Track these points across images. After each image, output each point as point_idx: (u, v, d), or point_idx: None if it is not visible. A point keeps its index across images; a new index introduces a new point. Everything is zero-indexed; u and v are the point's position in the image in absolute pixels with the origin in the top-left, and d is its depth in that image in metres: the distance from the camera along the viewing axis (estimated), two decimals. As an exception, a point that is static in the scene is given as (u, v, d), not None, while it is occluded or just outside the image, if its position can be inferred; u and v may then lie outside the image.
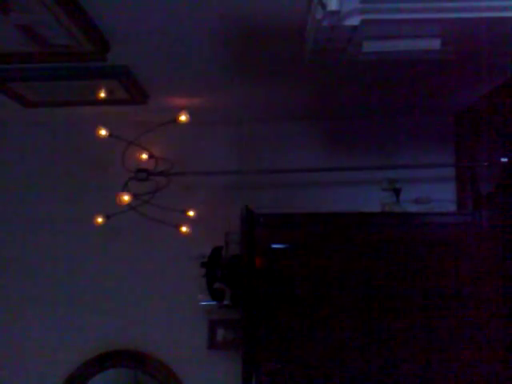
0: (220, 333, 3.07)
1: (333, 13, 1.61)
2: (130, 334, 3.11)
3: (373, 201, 2.93)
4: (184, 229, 2.92)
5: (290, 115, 3.18)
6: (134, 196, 2.81)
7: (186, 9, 1.91)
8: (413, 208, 2.97)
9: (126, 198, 2.75)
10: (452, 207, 3.09)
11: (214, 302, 2.85)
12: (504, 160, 2.61)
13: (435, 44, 1.85)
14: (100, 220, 2.82)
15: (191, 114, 2.87)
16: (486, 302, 2.41)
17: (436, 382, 2.39)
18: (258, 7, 1.89)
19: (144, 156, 2.97)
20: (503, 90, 2.63)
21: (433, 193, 3.02)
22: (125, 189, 2.78)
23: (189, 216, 2.96)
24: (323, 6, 1.60)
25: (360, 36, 1.78)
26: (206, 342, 3.07)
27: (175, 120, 2.72)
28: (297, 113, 3.15)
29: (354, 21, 1.68)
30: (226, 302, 2.84)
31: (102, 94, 2.62)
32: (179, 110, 2.74)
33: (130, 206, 2.82)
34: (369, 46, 1.82)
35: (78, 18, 1.89)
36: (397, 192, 3.00)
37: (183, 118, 2.71)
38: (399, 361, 2.39)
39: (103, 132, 2.73)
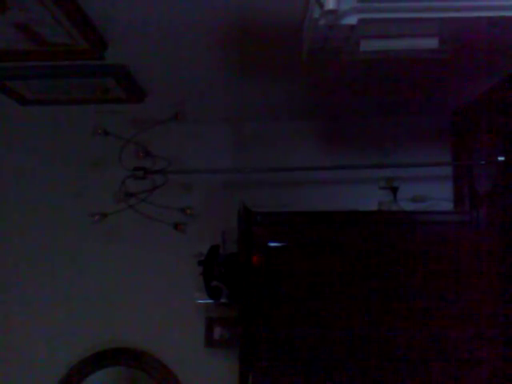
0: (217, 331, 3.07)
1: (330, 12, 1.61)
2: (127, 331, 3.11)
3: (370, 199, 2.93)
4: (181, 227, 2.92)
5: (287, 114, 3.18)
6: (131, 194, 2.81)
7: (183, 7, 1.90)
8: (410, 206, 2.98)
9: (123, 196, 2.75)
10: (449, 206, 3.10)
11: (211, 300, 2.86)
12: (501, 159, 2.61)
13: (433, 43, 1.86)
14: (97, 218, 2.82)
15: (188, 112, 2.88)
16: (484, 300, 2.42)
17: (436, 383, 2.40)
18: (256, 6, 1.89)
19: (141, 154, 2.97)
20: (501, 89, 2.63)
21: (430, 191, 3.03)
22: (122, 187, 2.78)
23: (186, 214, 2.96)
24: (321, 5, 1.61)
25: (357, 35, 1.78)
26: (203, 340, 3.07)
27: (173, 118, 2.72)
28: (294, 111, 3.15)
29: (352, 20, 1.69)
30: (223, 300, 2.84)
31: (100, 93, 2.62)
32: (177, 108, 2.74)
33: (127, 204, 2.82)
34: (366, 45, 1.83)
35: (75, 16, 1.89)
36: (394, 190, 3.01)
37: (180, 116, 2.71)
38: (397, 361, 2.40)
39: (100, 130, 2.73)
